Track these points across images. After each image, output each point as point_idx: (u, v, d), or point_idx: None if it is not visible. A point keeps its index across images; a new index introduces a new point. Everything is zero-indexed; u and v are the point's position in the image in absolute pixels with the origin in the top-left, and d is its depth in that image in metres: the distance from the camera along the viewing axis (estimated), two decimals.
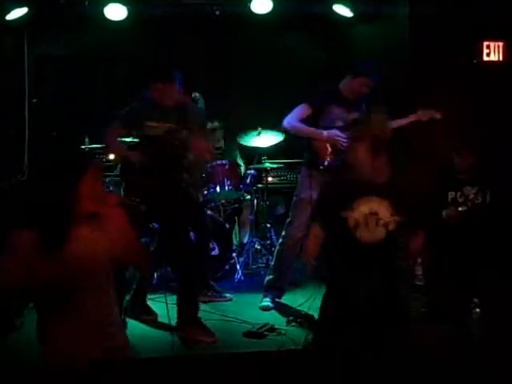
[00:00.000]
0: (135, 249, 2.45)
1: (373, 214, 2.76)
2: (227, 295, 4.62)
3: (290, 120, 4.25)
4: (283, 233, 4.42)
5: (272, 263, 4.52)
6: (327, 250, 3.00)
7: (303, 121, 4.24)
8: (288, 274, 4.49)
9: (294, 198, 4.44)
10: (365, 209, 2.78)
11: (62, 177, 2.25)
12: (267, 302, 4.36)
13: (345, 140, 4.09)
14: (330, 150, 4.27)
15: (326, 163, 4.26)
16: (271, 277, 4.43)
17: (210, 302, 4.48)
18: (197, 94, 4.82)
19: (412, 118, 4.34)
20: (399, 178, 2.90)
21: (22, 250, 2.17)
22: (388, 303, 2.87)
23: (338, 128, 4.19)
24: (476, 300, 3.62)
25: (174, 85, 3.86)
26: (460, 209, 4.04)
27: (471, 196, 4.04)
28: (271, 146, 5.50)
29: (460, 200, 4.09)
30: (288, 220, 4.41)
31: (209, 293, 4.56)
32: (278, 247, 4.46)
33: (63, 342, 2.26)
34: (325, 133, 4.21)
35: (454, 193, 4.14)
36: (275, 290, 4.42)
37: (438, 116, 4.32)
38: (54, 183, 2.25)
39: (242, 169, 5.99)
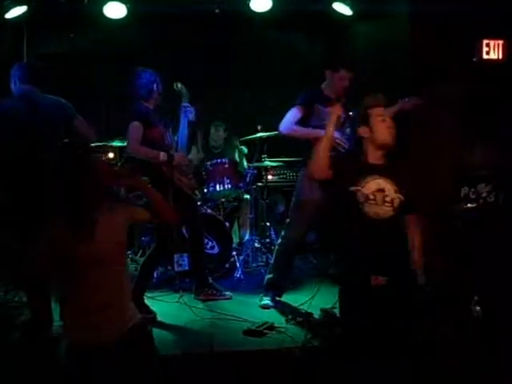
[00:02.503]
0: (154, 198, 2.71)
1: (380, 191, 2.96)
2: (227, 293, 4.62)
3: (287, 124, 4.24)
4: (282, 233, 4.41)
5: (271, 263, 4.52)
6: (337, 225, 3.14)
7: (297, 123, 4.25)
8: (288, 274, 4.49)
9: (294, 199, 4.42)
10: (373, 185, 2.98)
11: (76, 166, 2.47)
12: (267, 300, 4.36)
13: (344, 140, 4.13)
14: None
15: None
16: (271, 276, 4.43)
17: (209, 300, 4.48)
18: (178, 85, 4.60)
19: (394, 109, 4.29)
20: (402, 161, 3.15)
21: (52, 236, 2.42)
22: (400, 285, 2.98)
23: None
24: (476, 298, 3.63)
25: None
26: (469, 205, 4.02)
27: (484, 194, 4.00)
28: (270, 144, 5.50)
29: (472, 197, 4.05)
30: (287, 221, 4.40)
31: (208, 291, 4.56)
32: (277, 247, 4.46)
33: (79, 317, 2.44)
34: (323, 132, 4.21)
35: (467, 189, 4.09)
36: (275, 289, 4.43)
37: (418, 101, 4.31)
38: (70, 173, 2.46)
39: (245, 164, 5.97)
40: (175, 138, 4.56)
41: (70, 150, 2.61)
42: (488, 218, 3.81)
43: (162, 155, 4.25)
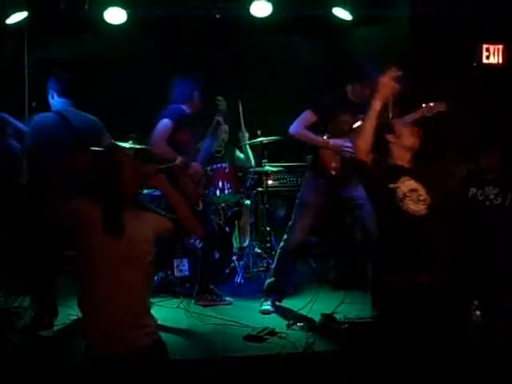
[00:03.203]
0: (184, 210, 2.65)
1: (413, 191, 3.08)
2: (227, 299, 4.61)
3: (297, 127, 4.24)
4: (285, 236, 4.41)
5: (273, 266, 4.51)
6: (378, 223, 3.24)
7: (309, 127, 4.22)
8: (289, 277, 4.48)
9: (297, 201, 4.42)
10: (407, 185, 3.09)
11: (102, 168, 2.51)
12: (267, 305, 4.35)
13: (351, 149, 4.04)
14: (336, 157, 4.25)
15: (333, 173, 4.24)
16: (272, 280, 4.42)
17: (210, 306, 4.48)
18: (220, 99, 4.82)
19: (416, 115, 4.30)
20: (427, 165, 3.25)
21: (83, 212, 2.44)
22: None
23: (345, 133, 4.18)
24: (476, 302, 3.62)
25: None
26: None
27: (491, 196, 4.00)
28: (271, 148, 5.51)
29: (480, 198, 4.04)
30: (290, 223, 4.40)
31: (209, 297, 4.55)
32: (279, 250, 4.45)
33: (99, 313, 2.43)
34: (330, 142, 4.21)
35: (475, 190, 4.08)
36: (276, 293, 4.42)
37: (443, 108, 4.30)
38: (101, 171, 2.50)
39: (252, 162, 5.89)
40: (199, 145, 4.70)
41: (103, 151, 2.65)
42: (494, 221, 3.80)
43: (180, 160, 4.32)
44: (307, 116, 4.22)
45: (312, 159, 4.42)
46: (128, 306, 2.44)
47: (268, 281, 4.46)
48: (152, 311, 4.04)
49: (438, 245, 3.13)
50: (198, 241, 4.80)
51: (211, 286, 4.62)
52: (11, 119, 4.30)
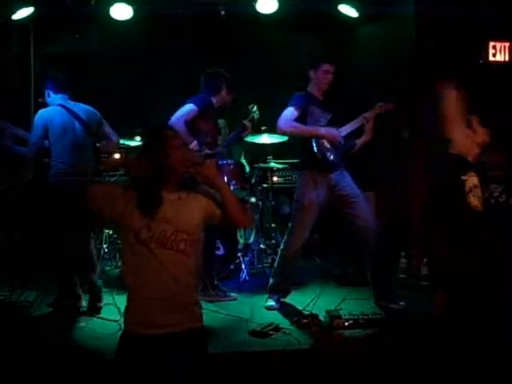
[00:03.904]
0: (230, 199, 2.54)
1: (476, 187, 3.15)
2: (232, 294, 4.62)
3: (286, 122, 4.25)
4: (285, 238, 4.40)
5: (275, 266, 4.51)
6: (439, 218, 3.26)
7: (295, 122, 4.28)
8: (291, 276, 4.48)
9: (295, 204, 4.39)
10: (472, 180, 3.15)
11: (152, 149, 2.47)
12: (272, 301, 4.36)
13: (340, 136, 4.28)
14: (328, 146, 4.29)
15: (331, 158, 4.28)
16: (275, 280, 4.42)
17: (214, 301, 4.49)
18: (254, 108, 4.91)
19: (358, 122, 4.39)
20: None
21: (119, 195, 2.42)
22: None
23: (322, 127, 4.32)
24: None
25: None
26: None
27: (496, 194, 4.00)
28: (276, 145, 5.51)
29: (485, 196, 4.06)
30: (290, 225, 4.38)
31: (213, 292, 4.56)
32: (280, 252, 4.44)
33: (143, 295, 2.38)
34: (322, 129, 4.26)
35: None
36: (279, 291, 4.42)
37: (389, 107, 4.36)
38: (147, 155, 2.46)
39: (247, 168, 6.00)
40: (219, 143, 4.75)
41: (152, 131, 2.58)
42: (498, 218, 3.81)
43: (194, 144, 4.38)
44: (292, 111, 4.24)
45: (305, 155, 4.40)
46: (167, 288, 2.38)
47: (271, 281, 4.46)
48: None
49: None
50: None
51: (216, 282, 4.64)
52: (11, 127, 4.39)
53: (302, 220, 4.30)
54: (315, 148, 4.26)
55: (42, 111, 4.20)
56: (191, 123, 4.36)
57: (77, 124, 4.19)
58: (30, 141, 4.15)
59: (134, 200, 2.39)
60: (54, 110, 4.20)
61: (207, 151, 4.47)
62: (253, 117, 4.86)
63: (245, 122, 4.80)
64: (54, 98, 4.25)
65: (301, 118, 4.28)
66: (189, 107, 4.36)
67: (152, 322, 2.36)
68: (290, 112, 4.25)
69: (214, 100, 4.56)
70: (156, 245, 2.37)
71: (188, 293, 2.46)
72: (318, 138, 4.26)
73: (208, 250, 4.59)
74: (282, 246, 4.45)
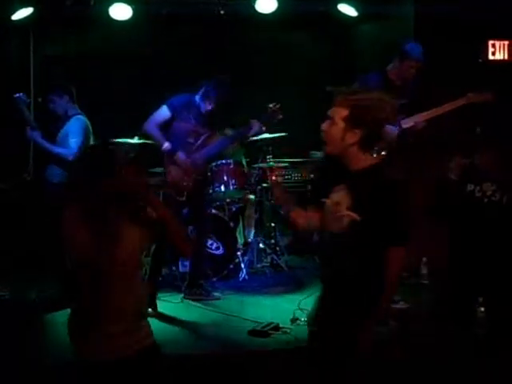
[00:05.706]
0: (173, 228, 2.45)
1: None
2: (215, 294, 4.62)
3: None
4: None
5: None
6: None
7: None
8: None
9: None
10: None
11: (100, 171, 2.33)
12: None
13: None
14: None
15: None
16: None
17: (197, 300, 4.50)
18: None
19: (461, 101, 4.28)
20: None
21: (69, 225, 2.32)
22: None
23: None
24: (481, 299, 3.62)
25: None
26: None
27: (489, 192, 4.01)
28: (276, 145, 5.51)
29: (478, 194, 4.06)
30: None
31: (197, 291, 4.56)
32: None
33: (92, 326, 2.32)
34: None
35: (473, 186, 4.09)
36: None
37: (489, 98, 4.31)
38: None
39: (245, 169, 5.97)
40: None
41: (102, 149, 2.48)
42: (491, 217, 3.81)
43: (166, 145, 4.36)
44: None
45: None
46: (124, 310, 2.33)
47: None
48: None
49: None
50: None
51: (200, 281, 4.64)
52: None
53: None
54: None
55: (84, 118, 4.49)
56: (167, 124, 4.39)
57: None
58: (77, 145, 4.35)
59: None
60: (84, 119, 4.51)
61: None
62: (266, 116, 4.66)
63: (252, 120, 4.67)
64: (74, 108, 4.54)
65: None
66: (160, 109, 4.42)
67: (108, 347, 2.32)
68: None
69: (202, 103, 4.48)
70: (114, 270, 2.31)
71: (140, 315, 2.42)
72: None
73: (200, 247, 4.58)
74: None
